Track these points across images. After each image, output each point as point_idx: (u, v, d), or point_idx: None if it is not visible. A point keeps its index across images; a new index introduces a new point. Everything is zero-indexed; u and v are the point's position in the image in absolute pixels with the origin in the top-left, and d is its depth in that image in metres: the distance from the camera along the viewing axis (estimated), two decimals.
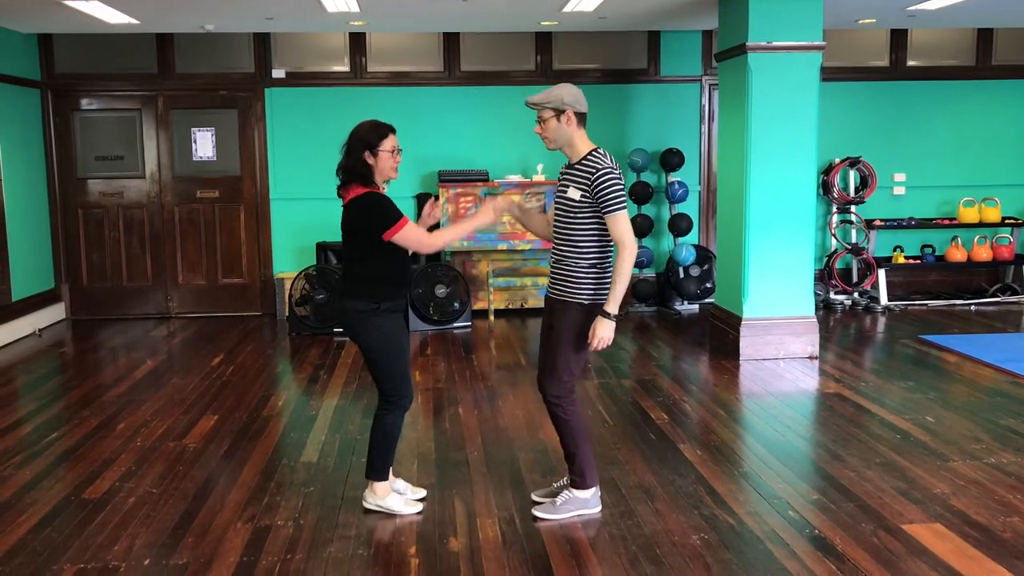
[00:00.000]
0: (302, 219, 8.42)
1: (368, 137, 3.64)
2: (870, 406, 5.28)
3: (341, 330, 7.54)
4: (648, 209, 8.66)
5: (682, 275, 8.37)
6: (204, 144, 8.47)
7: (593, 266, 3.63)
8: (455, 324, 7.78)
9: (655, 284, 8.56)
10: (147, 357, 6.94)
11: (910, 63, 8.78)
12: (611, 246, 3.65)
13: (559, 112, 3.60)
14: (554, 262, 3.73)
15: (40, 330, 7.88)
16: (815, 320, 6.55)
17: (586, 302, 3.63)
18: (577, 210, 3.60)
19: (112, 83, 8.34)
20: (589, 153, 3.63)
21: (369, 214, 3.62)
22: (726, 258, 6.80)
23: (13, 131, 7.71)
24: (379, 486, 3.83)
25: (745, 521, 3.69)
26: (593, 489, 3.78)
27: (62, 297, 8.49)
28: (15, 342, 7.48)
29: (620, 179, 3.59)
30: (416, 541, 3.56)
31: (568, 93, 3.61)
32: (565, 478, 3.95)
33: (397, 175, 3.76)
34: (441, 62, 8.48)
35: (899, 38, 8.72)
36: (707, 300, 8.39)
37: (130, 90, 8.36)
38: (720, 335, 6.81)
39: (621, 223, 3.55)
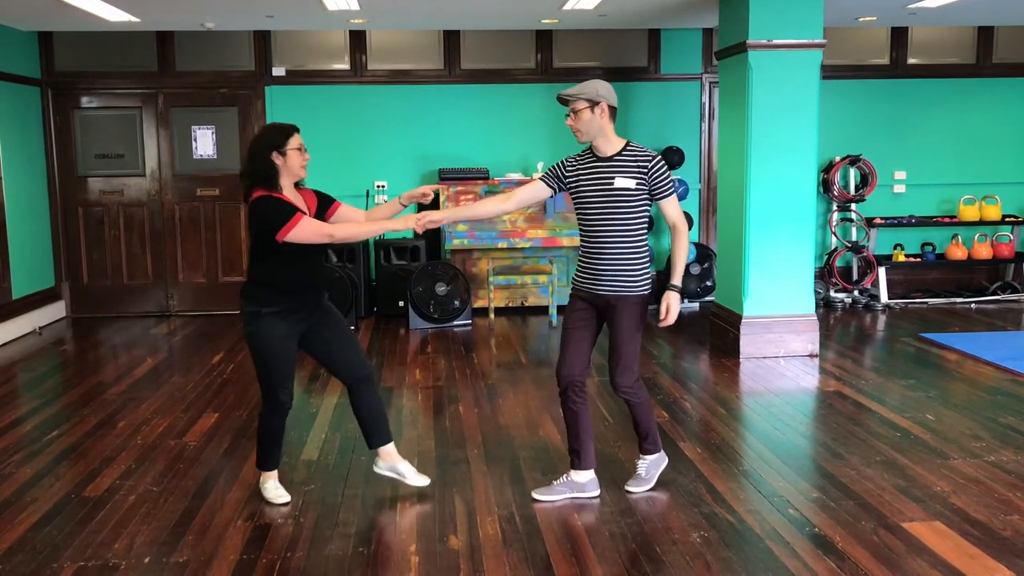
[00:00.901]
0: None
1: (274, 138, 3.64)
2: (870, 404, 5.28)
3: None
4: None
5: None
6: (204, 142, 8.47)
7: (647, 254, 3.82)
8: (455, 322, 7.78)
9: (655, 282, 8.54)
10: (147, 355, 6.94)
11: (911, 61, 8.77)
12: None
13: (594, 104, 3.70)
14: (602, 257, 3.78)
15: (40, 328, 7.88)
16: (815, 318, 6.55)
17: (647, 292, 3.82)
18: (632, 199, 3.72)
19: (112, 81, 8.34)
20: (627, 145, 3.78)
21: (262, 217, 3.60)
22: (726, 256, 6.80)
23: (13, 129, 7.71)
24: (263, 473, 4.00)
25: (745, 519, 3.69)
26: (661, 450, 4.08)
27: (62, 295, 8.49)
28: (16, 340, 7.48)
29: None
30: (416, 539, 3.56)
31: (603, 86, 3.75)
32: (566, 475, 3.97)
33: (306, 174, 3.75)
34: (441, 60, 8.47)
35: (900, 36, 8.71)
36: (707, 298, 8.39)
37: (130, 88, 8.36)
38: (720, 333, 6.81)
39: (677, 206, 3.82)
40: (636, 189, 3.71)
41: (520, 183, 8.11)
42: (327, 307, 3.90)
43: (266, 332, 3.70)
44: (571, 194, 3.86)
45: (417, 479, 4.04)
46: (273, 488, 3.96)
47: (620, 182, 3.70)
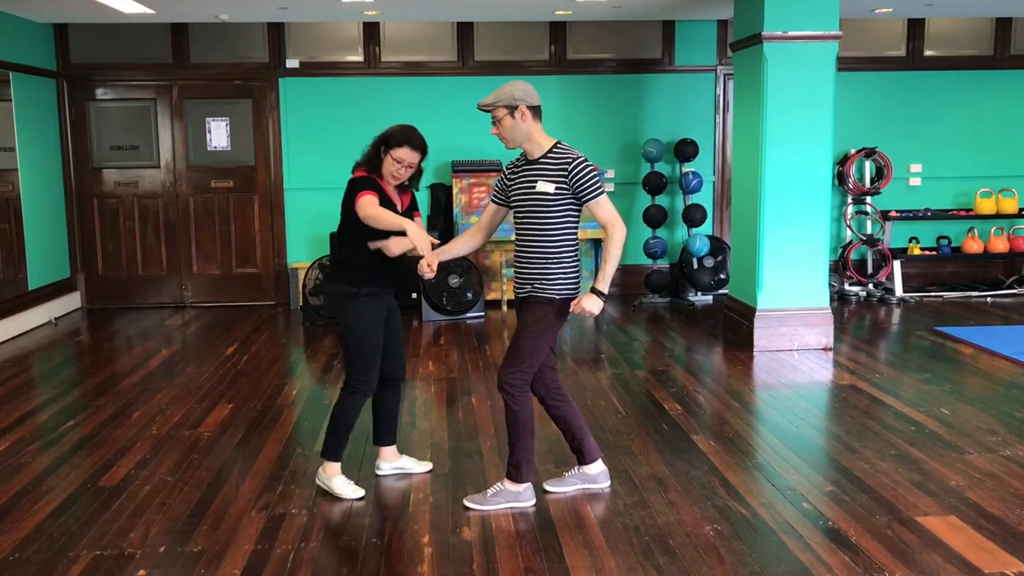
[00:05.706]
0: (316, 209, 8.43)
1: (390, 136, 3.78)
2: (885, 398, 5.26)
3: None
4: (662, 199, 8.64)
5: (696, 266, 8.35)
6: (218, 134, 8.50)
7: (566, 259, 3.64)
8: (468, 314, 7.79)
9: (669, 275, 8.54)
10: (162, 346, 6.98)
11: (927, 53, 8.71)
12: (578, 239, 3.70)
13: (512, 109, 3.59)
14: (522, 261, 3.70)
15: (56, 319, 7.93)
16: (830, 311, 6.52)
17: (557, 297, 3.63)
18: (552, 203, 3.59)
19: (127, 73, 8.37)
20: (554, 146, 3.64)
21: (347, 192, 3.78)
22: (740, 249, 6.78)
23: (29, 121, 7.75)
24: (329, 466, 3.93)
25: (759, 512, 3.68)
26: (527, 484, 3.77)
27: (78, 286, 8.54)
28: (31, 330, 7.53)
29: (594, 165, 3.62)
30: (430, 530, 3.57)
31: (518, 88, 3.61)
32: (576, 467, 3.97)
33: (395, 182, 3.83)
34: (455, 52, 8.46)
35: (916, 28, 8.65)
36: (721, 291, 8.36)
37: (145, 80, 8.39)
38: (734, 326, 6.79)
39: (607, 206, 3.61)
40: (556, 194, 3.55)
41: None
42: (394, 303, 4.02)
43: (364, 311, 3.81)
44: (509, 200, 3.77)
45: (420, 466, 4.17)
46: (344, 483, 3.90)
47: (540, 186, 3.58)
